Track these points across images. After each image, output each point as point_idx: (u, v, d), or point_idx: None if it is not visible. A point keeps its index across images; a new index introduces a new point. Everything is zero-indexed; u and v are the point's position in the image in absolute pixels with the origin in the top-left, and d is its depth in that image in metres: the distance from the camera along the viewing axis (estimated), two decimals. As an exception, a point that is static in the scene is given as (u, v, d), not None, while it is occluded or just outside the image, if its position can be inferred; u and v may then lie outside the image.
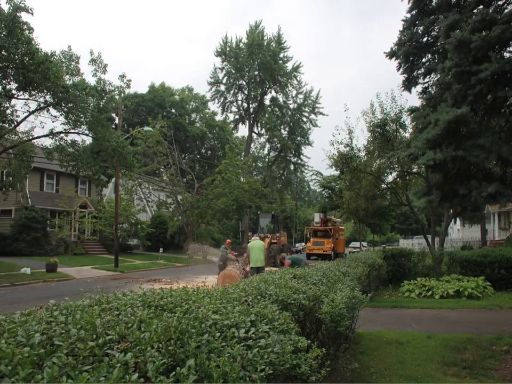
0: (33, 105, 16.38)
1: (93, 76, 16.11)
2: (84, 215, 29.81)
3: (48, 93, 15.15)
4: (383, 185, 19.63)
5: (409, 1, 8.92)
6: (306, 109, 45.97)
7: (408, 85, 9.65)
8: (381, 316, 9.40)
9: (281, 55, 42.74)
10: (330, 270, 5.96)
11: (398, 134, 16.14)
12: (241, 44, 41.90)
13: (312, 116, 46.28)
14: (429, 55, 9.35)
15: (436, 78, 9.09)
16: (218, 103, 45.41)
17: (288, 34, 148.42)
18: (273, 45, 42.01)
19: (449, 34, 6.89)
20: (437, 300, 11.39)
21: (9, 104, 15.15)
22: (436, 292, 11.80)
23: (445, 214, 17.24)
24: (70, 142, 17.50)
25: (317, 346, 2.60)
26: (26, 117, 16.22)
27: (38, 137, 17.57)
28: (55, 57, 14.74)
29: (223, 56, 42.47)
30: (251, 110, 45.16)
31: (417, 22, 9.06)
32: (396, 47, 9.27)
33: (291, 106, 46.10)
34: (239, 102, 45.91)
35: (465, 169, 7.66)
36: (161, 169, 35.78)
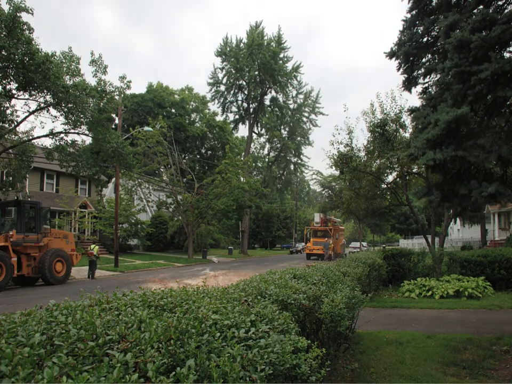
0: (33, 105, 16.44)
1: (93, 76, 16.15)
2: (84, 215, 29.82)
3: (48, 93, 15.15)
4: (383, 185, 19.65)
5: (409, 1, 8.92)
6: (306, 109, 46.03)
7: (408, 85, 9.64)
8: (381, 316, 9.40)
9: (281, 55, 42.73)
10: (330, 270, 5.96)
11: (398, 134, 16.18)
12: (241, 44, 41.88)
13: (312, 116, 46.39)
14: (429, 55, 9.34)
15: (436, 78, 9.08)
16: (218, 103, 45.47)
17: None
18: (273, 45, 41.99)
19: (449, 34, 6.88)
20: (437, 300, 11.39)
21: (9, 104, 15.16)
22: (436, 292, 11.80)
23: (445, 214, 17.26)
24: (70, 142, 17.52)
25: (317, 346, 2.60)
26: (26, 117, 16.24)
27: (38, 137, 17.58)
28: (55, 57, 14.74)
29: (223, 56, 42.45)
30: (251, 110, 45.15)
31: (417, 22, 9.05)
32: (395, 47, 9.26)
33: (291, 106, 46.17)
34: (239, 102, 45.94)
35: (465, 169, 7.65)
36: (161, 169, 35.76)
